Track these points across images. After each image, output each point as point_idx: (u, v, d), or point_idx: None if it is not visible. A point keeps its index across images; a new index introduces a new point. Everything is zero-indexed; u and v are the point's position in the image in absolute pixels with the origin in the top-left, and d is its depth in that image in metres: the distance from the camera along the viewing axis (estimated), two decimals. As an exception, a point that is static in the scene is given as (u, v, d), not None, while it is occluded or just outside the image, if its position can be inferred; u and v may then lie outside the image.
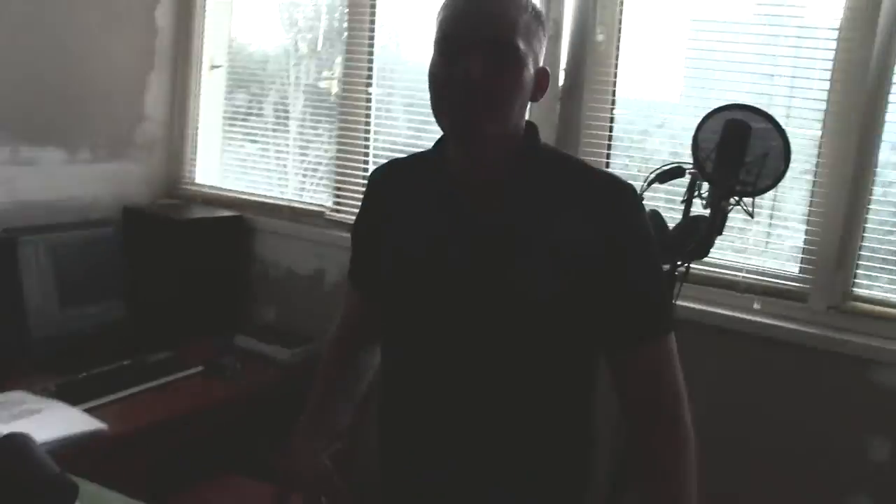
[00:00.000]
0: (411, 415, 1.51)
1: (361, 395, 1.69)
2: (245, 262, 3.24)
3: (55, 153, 3.00)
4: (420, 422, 1.49)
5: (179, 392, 2.53)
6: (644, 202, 1.55)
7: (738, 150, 1.78)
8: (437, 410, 1.45)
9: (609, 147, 2.54)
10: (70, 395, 2.29)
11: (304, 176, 3.31)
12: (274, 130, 3.38)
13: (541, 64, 1.38)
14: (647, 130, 2.52)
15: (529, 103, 1.39)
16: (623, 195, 1.38)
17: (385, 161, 1.64)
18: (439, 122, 1.38)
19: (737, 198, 1.82)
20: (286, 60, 3.36)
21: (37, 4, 2.85)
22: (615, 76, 2.51)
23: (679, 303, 1.94)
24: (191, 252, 3.02)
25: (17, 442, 1.45)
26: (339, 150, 3.10)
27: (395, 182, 1.57)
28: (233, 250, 3.19)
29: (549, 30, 2.42)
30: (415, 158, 1.58)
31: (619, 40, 2.50)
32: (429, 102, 1.38)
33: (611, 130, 2.53)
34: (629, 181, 1.41)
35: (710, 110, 1.87)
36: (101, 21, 3.09)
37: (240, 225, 3.21)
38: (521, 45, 1.31)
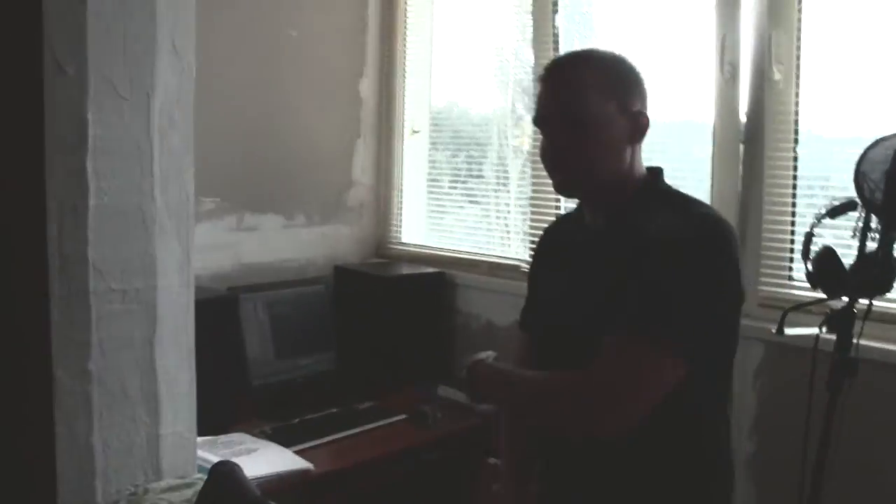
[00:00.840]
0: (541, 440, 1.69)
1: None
2: (447, 316, 3.39)
3: (274, 219, 3.32)
4: (546, 449, 1.68)
5: (382, 438, 2.70)
6: (818, 237, 1.76)
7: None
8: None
9: (794, 188, 2.50)
10: (283, 438, 2.53)
11: (504, 232, 3.45)
12: (469, 184, 3.57)
13: (637, 108, 1.52)
14: (833, 167, 2.48)
15: (636, 146, 1.55)
16: (689, 225, 1.46)
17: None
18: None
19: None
20: (481, 121, 3.56)
21: (252, 86, 3.19)
22: (796, 114, 2.48)
23: (862, 342, 1.91)
24: (396, 307, 3.21)
25: (227, 468, 1.66)
26: (532, 206, 3.24)
27: (555, 233, 1.82)
28: (436, 305, 3.35)
29: (726, 71, 2.49)
30: (576, 210, 1.74)
31: (797, 77, 2.48)
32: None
33: (795, 170, 2.50)
34: (719, 221, 1.49)
35: (871, 141, 1.85)
36: (312, 97, 3.41)
37: (442, 280, 3.38)
38: (594, 105, 1.48)
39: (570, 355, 1.53)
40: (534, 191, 3.23)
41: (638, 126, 1.52)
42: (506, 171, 3.41)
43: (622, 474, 1.52)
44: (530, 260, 1.86)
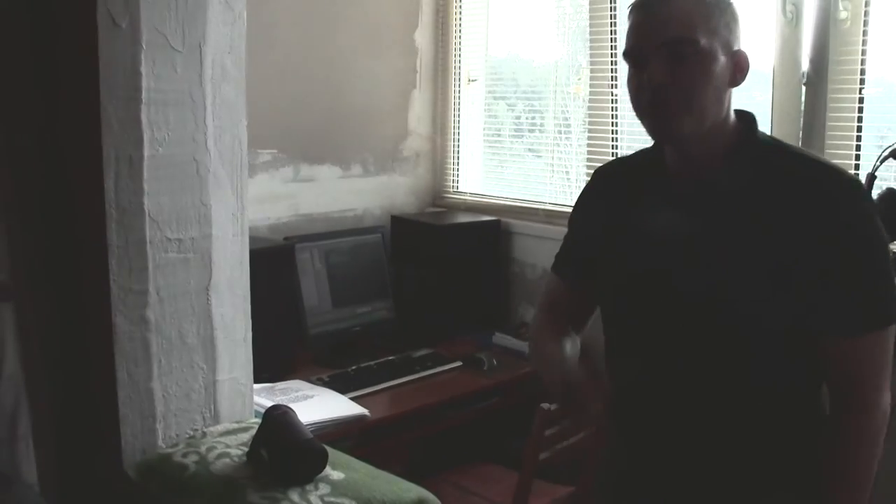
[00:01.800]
0: (640, 414, 1.54)
1: None
2: (503, 264, 3.40)
3: (331, 170, 3.34)
4: (648, 423, 1.52)
5: (438, 384, 2.73)
6: (878, 181, 1.56)
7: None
8: (664, 415, 1.49)
9: (859, 130, 2.43)
10: (339, 385, 2.57)
11: (564, 180, 3.42)
12: (530, 135, 3.55)
13: (737, 47, 1.39)
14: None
15: (731, 90, 1.41)
16: (842, 194, 1.36)
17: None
18: (644, 126, 1.44)
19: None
20: (542, 70, 3.53)
21: (308, 38, 3.19)
22: (863, 55, 2.41)
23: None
24: (452, 255, 3.22)
25: (280, 410, 1.70)
26: (589, 153, 3.21)
27: (618, 182, 1.62)
28: (492, 253, 3.35)
29: (789, 12, 2.43)
30: (640, 156, 1.61)
31: (866, 15, 2.41)
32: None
33: (860, 112, 2.44)
34: (852, 176, 1.39)
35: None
36: (367, 47, 3.40)
37: (498, 228, 3.37)
38: (702, 38, 1.34)
39: (675, 312, 1.43)
40: (590, 138, 3.20)
41: (739, 67, 1.40)
42: (566, 120, 3.38)
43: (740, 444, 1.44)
44: (579, 203, 1.69)
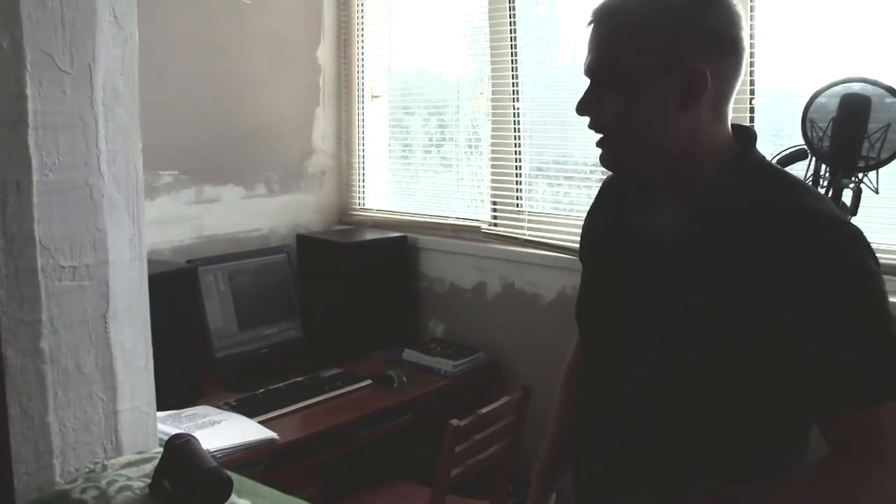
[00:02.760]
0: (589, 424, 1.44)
1: None
2: (411, 280, 3.40)
3: (234, 190, 3.30)
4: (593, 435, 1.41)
5: (349, 404, 2.70)
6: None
7: (857, 125, 1.75)
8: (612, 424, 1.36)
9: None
10: (248, 409, 2.52)
11: (471, 195, 3.44)
12: (439, 150, 3.56)
13: (692, 63, 1.18)
14: (787, 118, 2.49)
15: (701, 112, 1.22)
16: (822, 242, 1.14)
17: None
18: None
19: (860, 175, 1.79)
20: (447, 84, 3.54)
21: (208, 56, 3.14)
22: (751, 66, 2.49)
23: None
24: (360, 273, 3.20)
25: (182, 439, 1.65)
26: (493, 167, 3.24)
27: (608, 194, 1.51)
28: (399, 269, 3.35)
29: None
30: None
31: (752, 20, 2.46)
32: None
33: (751, 122, 2.51)
34: (843, 220, 1.18)
35: (818, 88, 1.85)
36: (269, 65, 3.37)
37: (405, 244, 3.37)
38: (625, 64, 1.20)
39: (622, 329, 1.31)
40: (493, 153, 3.24)
41: (693, 85, 1.19)
42: (476, 134, 3.40)
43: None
44: (584, 225, 1.53)
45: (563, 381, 1.63)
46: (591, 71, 1.25)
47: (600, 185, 1.54)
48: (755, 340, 1.16)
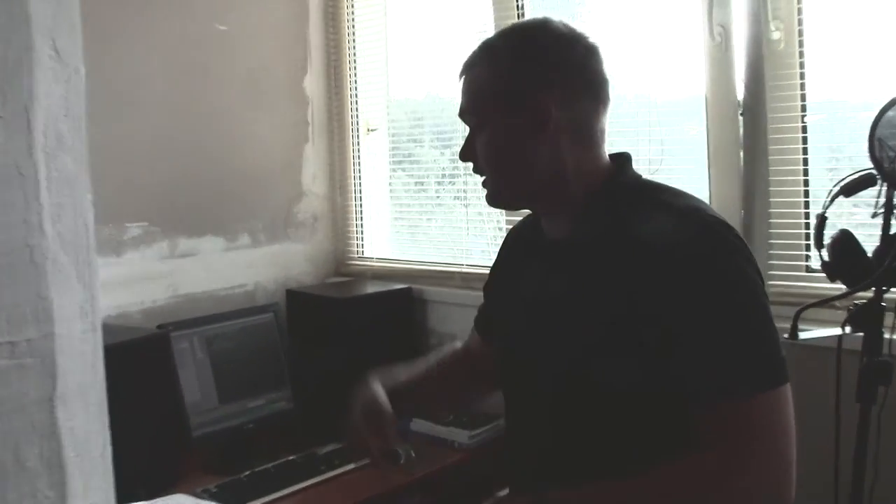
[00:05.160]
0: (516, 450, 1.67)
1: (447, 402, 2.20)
2: (418, 337, 3.33)
3: (214, 242, 3.25)
4: (522, 460, 1.63)
5: (350, 485, 2.62)
6: (833, 220, 1.66)
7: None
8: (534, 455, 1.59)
9: (805, 163, 2.45)
10: (231, 496, 2.44)
11: (484, 239, 3.40)
12: (451, 184, 3.52)
13: (537, 91, 1.44)
14: (849, 136, 2.42)
15: (561, 140, 1.48)
16: (694, 240, 1.37)
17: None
18: None
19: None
20: (451, 109, 3.49)
21: (178, 93, 3.11)
22: (802, 78, 2.43)
23: (891, 336, 1.84)
24: (359, 331, 3.13)
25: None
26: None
27: (517, 236, 1.78)
28: (405, 325, 3.29)
29: (717, 34, 2.42)
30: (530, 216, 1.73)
31: (801, 35, 2.41)
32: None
33: (804, 142, 2.45)
34: (715, 218, 1.40)
35: (887, 102, 1.78)
36: (249, 99, 3.34)
37: (410, 297, 3.32)
38: (476, 106, 1.51)
39: (531, 371, 1.56)
40: None
41: (539, 116, 1.45)
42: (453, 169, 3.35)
43: None
44: (496, 259, 1.85)
45: (445, 354, 1.97)
46: (460, 116, 1.55)
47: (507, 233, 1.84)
48: (650, 342, 1.35)
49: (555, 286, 1.51)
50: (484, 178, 1.55)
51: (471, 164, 1.56)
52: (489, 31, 3.16)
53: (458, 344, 1.99)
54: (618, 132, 2.68)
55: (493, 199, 1.58)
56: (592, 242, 1.46)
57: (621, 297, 1.37)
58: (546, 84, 1.45)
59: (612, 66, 1.54)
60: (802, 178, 2.45)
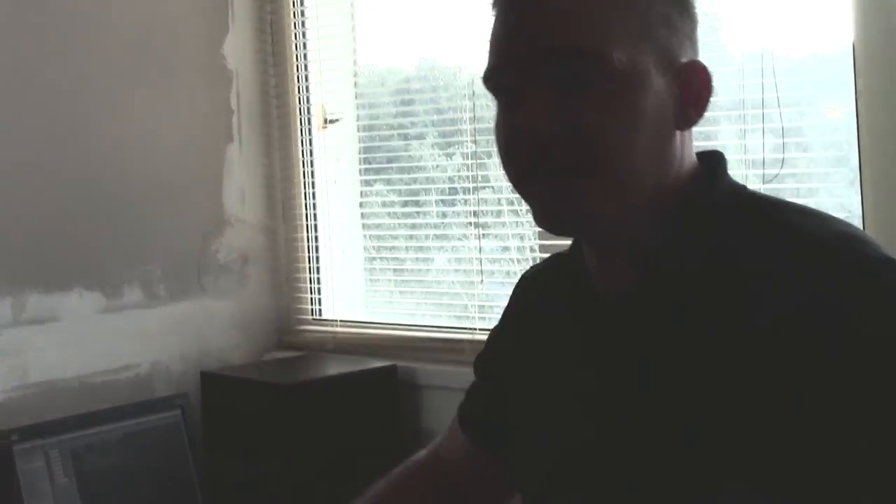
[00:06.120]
0: None
1: None
2: (405, 438, 3.27)
3: (85, 299, 3.20)
4: None
5: None
6: None
7: None
8: None
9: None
10: None
11: (501, 276, 3.39)
12: (463, 203, 3.48)
13: (686, 57, 1.38)
14: None
15: (685, 135, 1.40)
16: (855, 287, 1.26)
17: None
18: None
19: None
20: (446, 93, 3.46)
21: (26, 67, 3.07)
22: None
23: None
24: (316, 435, 3.11)
25: None
26: (539, 232, 3.09)
27: (540, 288, 1.70)
28: (385, 423, 3.27)
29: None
30: (557, 257, 1.65)
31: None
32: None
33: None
34: (888, 259, 1.30)
35: None
36: (137, 75, 3.31)
37: (394, 380, 3.30)
38: (617, 49, 1.31)
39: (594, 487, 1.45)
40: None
41: (692, 92, 1.37)
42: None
43: None
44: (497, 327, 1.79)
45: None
46: (557, 55, 1.32)
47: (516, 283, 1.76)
48: (794, 477, 1.24)
49: (620, 376, 1.42)
50: (557, 176, 1.34)
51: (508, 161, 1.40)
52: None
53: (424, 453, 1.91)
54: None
55: (583, 218, 1.38)
56: (679, 301, 1.37)
57: (741, 404, 1.28)
58: (693, 39, 1.40)
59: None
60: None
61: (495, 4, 1.40)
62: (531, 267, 1.76)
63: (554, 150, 1.31)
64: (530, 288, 1.72)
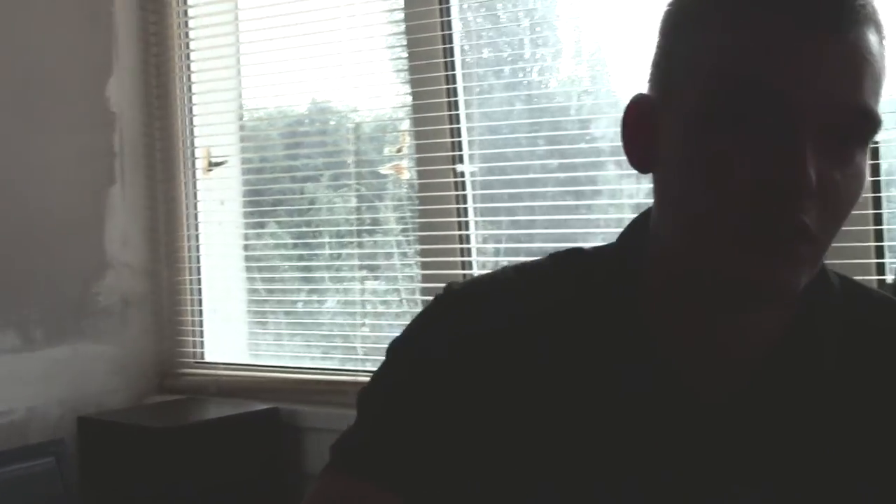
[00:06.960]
0: None
1: None
2: (287, 485, 3.28)
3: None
4: None
5: None
6: None
7: None
8: None
9: None
10: None
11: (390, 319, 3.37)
12: (358, 245, 3.48)
13: None
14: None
15: None
16: None
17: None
18: (702, 264, 1.20)
19: None
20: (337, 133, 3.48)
21: None
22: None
23: None
24: (196, 479, 3.09)
25: None
26: (423, 275, 3.14)
27: (524, 335, 1.35)
28: (267, 467, 3.25)
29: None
30: (594, 303, 1.33)
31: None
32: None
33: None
34: None
35: None
36: (14, 117, 3.27)
37: (277, 423, 3.31)
38: (876, 103, 1.19)
39: None
40: (423, 251, 3.18)
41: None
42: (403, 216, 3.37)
43: None
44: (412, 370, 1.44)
45: None
46: (852, 116, 1.17)
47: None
48: None
49: (725, 471, 1.24)
50: (801, 241, 1.19)
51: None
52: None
53: None
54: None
55: (795, 289, 1.21)
56: (790, 411, 1.26)
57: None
58: None
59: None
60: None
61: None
62: (482, 319, 1.31)
63: (812, 212, 1.16)
64: (525, 327, 1.33)
